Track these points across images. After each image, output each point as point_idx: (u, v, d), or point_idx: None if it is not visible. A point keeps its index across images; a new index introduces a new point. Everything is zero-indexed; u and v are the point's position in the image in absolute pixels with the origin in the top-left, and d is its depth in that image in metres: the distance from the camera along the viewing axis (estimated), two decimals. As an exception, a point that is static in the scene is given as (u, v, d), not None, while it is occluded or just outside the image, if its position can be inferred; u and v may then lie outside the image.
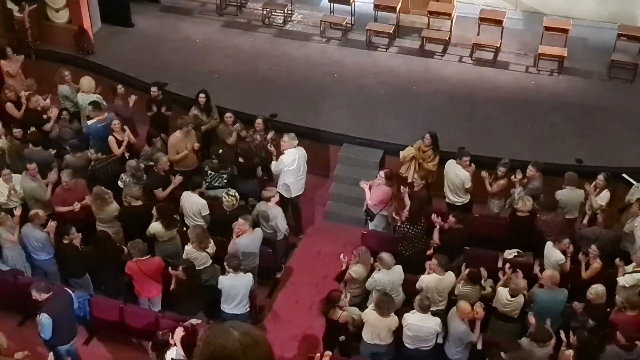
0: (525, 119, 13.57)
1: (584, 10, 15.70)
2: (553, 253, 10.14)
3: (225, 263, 9.85)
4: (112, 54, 14.99)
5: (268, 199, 10.85)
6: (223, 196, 10.83)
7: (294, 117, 13.21)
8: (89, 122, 12.26)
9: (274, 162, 11.52)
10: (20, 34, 14.56)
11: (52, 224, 10.40)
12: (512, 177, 11.19)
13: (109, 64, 14.66)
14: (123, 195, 11.00)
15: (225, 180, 11.54)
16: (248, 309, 10.09)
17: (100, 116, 12.17)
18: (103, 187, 10.74)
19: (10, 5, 14.67)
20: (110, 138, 11.96)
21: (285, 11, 16.01)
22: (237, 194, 10.85)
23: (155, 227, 10.41)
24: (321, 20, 15.72)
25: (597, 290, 9.56)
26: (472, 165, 11.42)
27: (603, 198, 10.98)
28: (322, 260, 11.69)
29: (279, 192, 11.17)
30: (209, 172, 11.55)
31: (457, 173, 11.34)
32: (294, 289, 11.46)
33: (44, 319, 9.10)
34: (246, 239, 10.35)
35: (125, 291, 10.39)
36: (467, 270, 9.92)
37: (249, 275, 9.94)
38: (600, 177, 11.07)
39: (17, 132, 12.07)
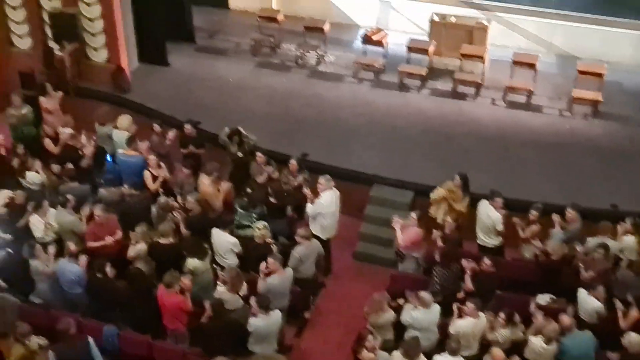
0: (558, 162, 13.51)
1: (619, 55, 15.67)
2: (589, 301, 9.98)
3: (255, 302, 9.86)
4: (148, 91, 15.24)
5: (306, 238, 10.88)
6: (254, 229, 10.90)
7: (325, 157, 13.28)
8: (120, 152, 12.45)
9: (309, 205, 11.55)
10: (60, 72, 14.84)
11: (84, 258, 10.52)
12: (553, 218, 11.06)
13: (144, 101, 14.89)
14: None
15: (255, 219, 11.59)
16: (276, 348, 10.06)
17: (134, 151, 12.35)
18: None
19: (51, 43, 15.03)
20: (146, 172, 12.12)
21: (319, 52, 16.19)
22: (267, 225, 10.91)
23: (193, 263, 10.48)
24: (354, 62, 15.87)
25: (634, 338, 9.38)
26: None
27: (628, 242, 10.84)
28: (351, 301, 11.62)
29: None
30: (239, 210, 11.61)
31: (489, 214, 11.28)
32: (322, 329, 11.40)
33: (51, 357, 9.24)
34: (277, 278, 10.36)
35: (156, 325, 10.42)
36: (506, 312, 9.80)
37: (278, 314, 9.93)
38: (627, 221, 10.97)
39: (54, 167, 12.28)
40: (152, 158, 12.18)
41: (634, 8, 15.52)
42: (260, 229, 10.85)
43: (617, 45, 15.74)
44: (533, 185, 12.82)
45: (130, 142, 12.45)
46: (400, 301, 10.33)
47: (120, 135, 12.90)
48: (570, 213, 11.07)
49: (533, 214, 11.19)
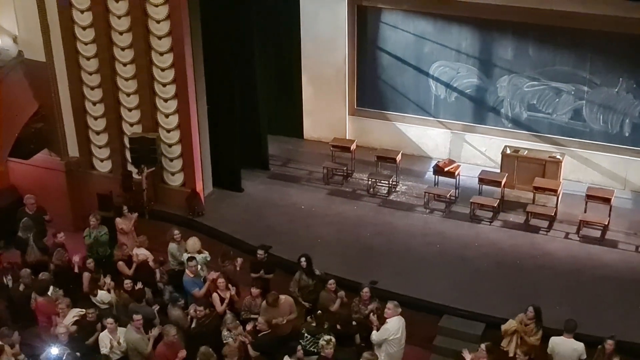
0: (633, 299, 13.08)
1: (696, 193, 15.42)
2: None
3: None
4: (221, 216, 15.54)
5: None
6: (321, 344, 10.74)
7: (395, 285, 13.13)
8: (186, 272, 12.62)
9: (374, 332, 11.36)
10: (136, 195, 15.32)
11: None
12: None
13: (217, 225, 15.18)
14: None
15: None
16: None
17: (194, 274, 12.52)
18: (210, 349, 10.80)
19: (130, 167, 15.60)
20: (215, 295, 12.21)
21: (390, 182, 16.37)
22: (333, 340, 10.72)
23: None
24: (425, 192, 15.97)
25: None
26: None
27: None
28: None
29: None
30: (306, 335, 11.48)
31: (574, 347, 10.90)
32: None
33: None
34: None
35: None
36: None
37: None
38: None
39: (127, 283, 12.48)
40: (220, 281, 12.29)
41: None
42: (328, 342, 10.64)
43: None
44: (608, 321, 12.38)
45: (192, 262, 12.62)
46: None
47: (187, 256, 13.09)
48: None
49: (609, 343, 10.80)
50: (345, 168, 16.91)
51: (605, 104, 15.94)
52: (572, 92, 16.07)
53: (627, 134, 15.99)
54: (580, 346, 10.94)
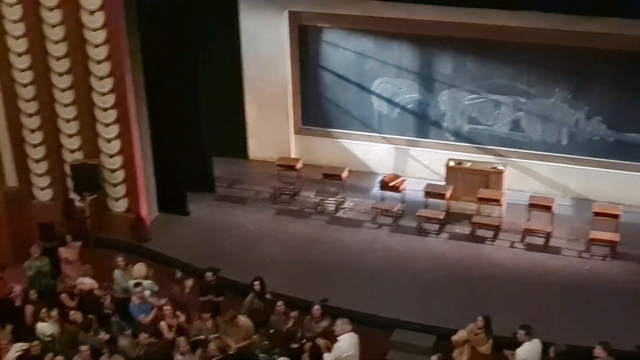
0: (580, 303, 13.34)
1: (633, 198, 15.80)
2: None
3: None
4: (167, 241, 15.38)
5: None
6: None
7: (346, 302, 13.14)
8: (133, 299, 12.44)
9: (326, 355, 11.29)
10: (80, 223, 15.06)
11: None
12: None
13: (164, 250, 15.00)
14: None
15: (278, 360, 11.36)
16: None
17: (141, 300, 12.37)
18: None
19: (72, 195, 15.33)
20: (162, 324, 12.04)
21: (338, 199, 16.42)
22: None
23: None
24: (372, 207, 16.05)
25: None
26: None
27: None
28: None
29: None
30: (260, 355, 11.39)
31: (538, 346, 10.99)
32: None
33: None
34: None
35: None
36: None
37: None
38: None
39: (72, 314, 12.21)
40: (167, 308, 12.14)
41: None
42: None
43: (630, 187, 15.88)
44: (555, 326, 12.57)
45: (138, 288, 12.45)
46: None
47: (133, 282, 12.90)
48: (599, 351, 10.78)
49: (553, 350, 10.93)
50: (292, 187, 16.92)
51: (542, 114, 16.30)
52: (511, 104, 16.40)
53: (564, 143, 16.36)
54: (539, 342, 11.04)
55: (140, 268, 13.19)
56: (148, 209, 15.67)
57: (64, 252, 13.86)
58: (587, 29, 14.61)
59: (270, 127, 17.77)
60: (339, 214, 16.24)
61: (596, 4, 12.95)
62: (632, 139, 15.84)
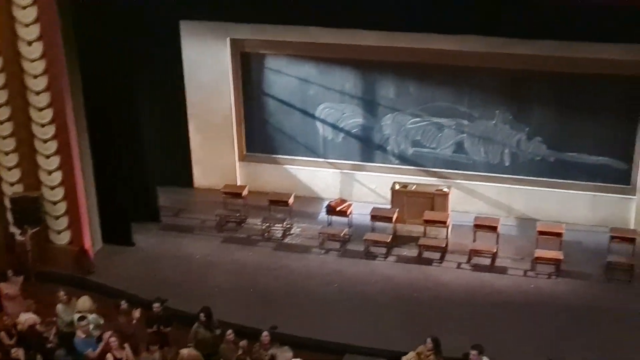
0: (527, 322, 13.48)
1: (576, 216, 16.11)
2: None
3: None
4: (112, 272, 15.12)
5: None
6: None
7: (295, 328, 13.06)
8: (78, 332, 12.15)
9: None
10: (21, 257, 14.73)
11: None
12: None
13: (109, 282, 14.73)
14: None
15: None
16: None
17: (86, 334, 12.09)
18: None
19: (12, 229, 14.99)
20: (109, 356, 11.75)
21: (284, 225, 16.36)
22: None
23: None
24: (319, 233, 16.04)
25: None
26: None
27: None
28: None
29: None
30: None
31: None
32: None
33: None
34: None
35: None
36: None
37: None
38: None
39: (14, 352, 11.86)
40: (112, 340, 11.87)
41: (585, 171, 16.12)
42: None
43: (573, 206, 16.20)
44: (504, 345, 12.67)
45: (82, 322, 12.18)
46: None
47: (77, 316, 12.61)
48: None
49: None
50: (238, 214, 16.82)
51: (484, 136, 16.54)
52: (453, 127, 16.61)
53: (507, 164, 16.62)
54: None
55: (84, 301, 12.90)
56: (92, 240, 15.40)
57: (5, 287, 13.50)
58: (522, 52, 14.97)
59: (215, 155, 17.69)
60: (286, 240, 16.20)
61: (529, 28, 13.28)
62: (571, 157, 16.18)
